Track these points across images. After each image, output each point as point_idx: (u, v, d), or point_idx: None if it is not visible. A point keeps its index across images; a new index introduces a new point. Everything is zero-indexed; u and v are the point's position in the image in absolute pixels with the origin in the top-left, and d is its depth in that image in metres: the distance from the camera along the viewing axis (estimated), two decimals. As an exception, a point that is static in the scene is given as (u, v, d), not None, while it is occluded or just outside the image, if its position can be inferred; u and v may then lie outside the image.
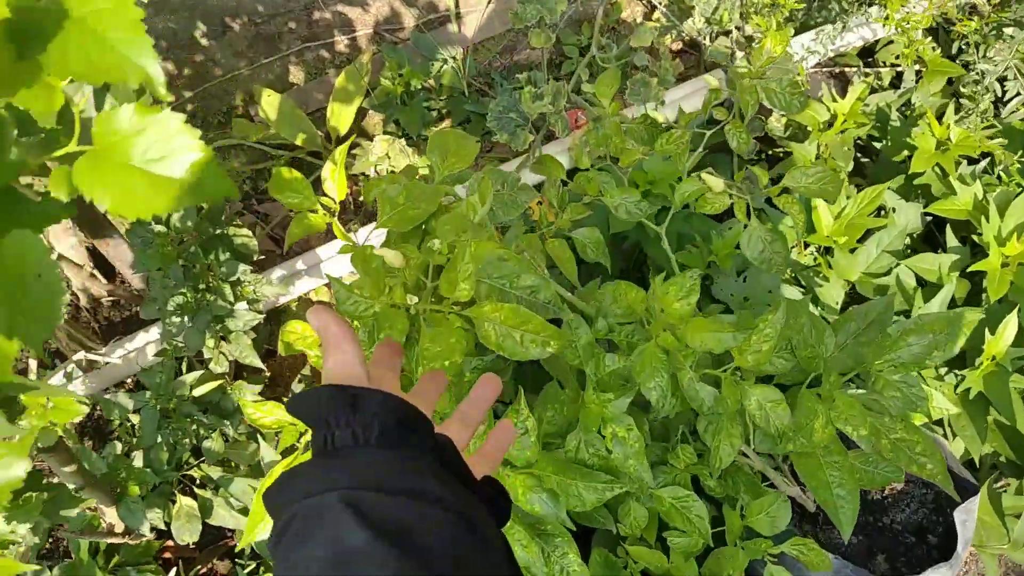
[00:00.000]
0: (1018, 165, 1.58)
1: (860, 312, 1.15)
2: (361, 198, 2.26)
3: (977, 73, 1.58)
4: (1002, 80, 1.59)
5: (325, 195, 1.07)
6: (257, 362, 1.49)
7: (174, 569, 1.68)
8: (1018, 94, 1.58)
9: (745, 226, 1.22)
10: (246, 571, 1.72)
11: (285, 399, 1.70)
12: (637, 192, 1.26)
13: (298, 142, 2.10)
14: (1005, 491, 1.45)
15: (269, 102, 2.16)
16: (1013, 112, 1.64)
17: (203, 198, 0.47)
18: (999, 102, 1.69)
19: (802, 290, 1.63)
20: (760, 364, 0.95)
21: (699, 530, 1.11)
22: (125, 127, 0.45)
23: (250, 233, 1.47)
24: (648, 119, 1.45)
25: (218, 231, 1.42)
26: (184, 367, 1.60)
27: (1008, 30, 1.54)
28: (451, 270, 0.75)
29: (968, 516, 1.29)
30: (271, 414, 0.96)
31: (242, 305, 1.44)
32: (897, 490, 1.39)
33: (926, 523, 1.35)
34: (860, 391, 1.06)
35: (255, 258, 1.56)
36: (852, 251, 1.61)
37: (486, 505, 0.52)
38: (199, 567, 1.77)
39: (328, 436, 0.49)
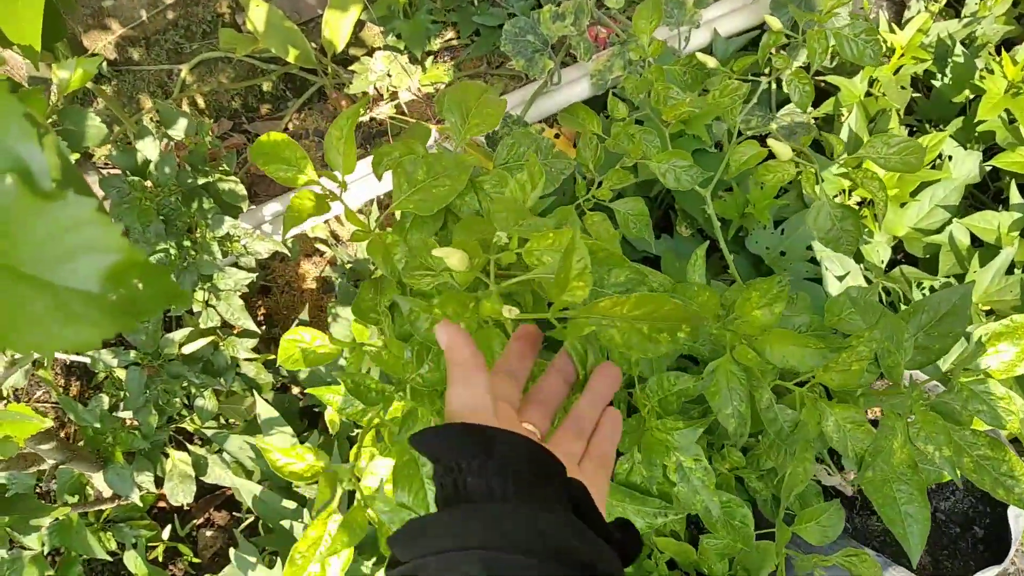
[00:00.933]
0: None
1: (933, 303, 1.01)
2: (359, 119, 2.08)
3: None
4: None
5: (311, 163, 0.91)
6: (250, 324, 1.37)
7: (169, 526, 1.60)
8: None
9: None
10: (244, 524, 1.65)
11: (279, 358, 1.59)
12: (687, 156, 1.10)
13: (290, 58, 1.91)
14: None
15: (257, 12, 1.95)
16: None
17: (134, 318, 0.33)
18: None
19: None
20: (848, 384, 0.83)
21: (742, 536, 1.01)
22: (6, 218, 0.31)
23: (236, 179, 1.32)
24: (694, 61, 1.27)
25: (201, 180, 1.26)
26: (172, 323, 1.48)
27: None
28: (561, 271, 0.59)
29: (1022, 512, 1.20)
30: (302, 459, 0.81)
31: (231, 260, 1.30)
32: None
33: (972, 513, 1.26)
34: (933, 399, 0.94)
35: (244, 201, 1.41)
36: (903, 204, 1.47)
37: (619, 553, 0.48)
38: (195, 519, 1.70)
39: (459, 482, 0.46)
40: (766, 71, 1.29)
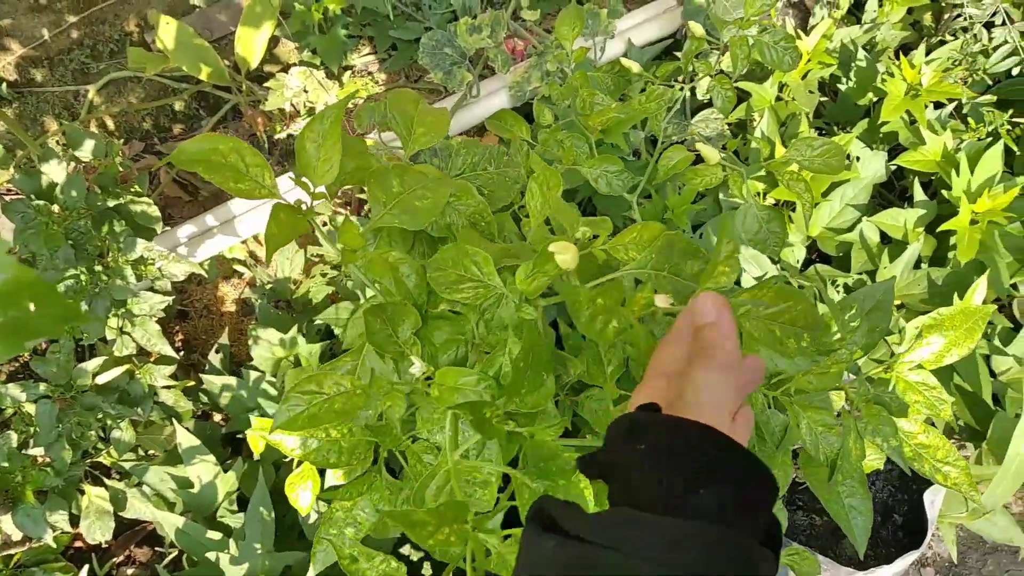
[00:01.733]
0: (1007, 125, 1.48)
1: (859, 299, 1.04)
2: (276, 137, 2.04)
3: (966, 18, 1.46)
4: (989, 26, 1.47)
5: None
6: (168, 350, 1.32)
7: (87, 567, 1.53)
8: (1005, 42, 1.47)
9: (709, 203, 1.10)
10: (168, 559, 1.59)
11: (204, 373, 1.54)
12: (618, 162, 1.11)
13: (202, 76, 1.87)
14: (966, 459, 1.41)
15: (167, 29, 1.90)
16: (998, 63, 1.53)
17: (25, 340, 0.32)
18: (984, 52, 1.58)
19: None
20: (825, 386, 0.84)
21: None
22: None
23: (150, 200, 1.28)
24: (617, 67, 1.28)
25: (111, 203, 1.22)
26: (86, 352, 1.41)
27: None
28: (713, 255, 0.57)
29: (936, 496, 1.24)
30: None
31: (145, 284, 1.26)
32: (863, 467, 1.34)
33: (891, 501, 1.30)
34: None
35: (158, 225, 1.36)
36: (815, 205, 1.51)
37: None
38: (115, 558, 1.63)
39: (691, 492, 0.46)
40: (680, 79, 1.31)
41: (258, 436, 1.00)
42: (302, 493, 0.82)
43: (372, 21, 2.08)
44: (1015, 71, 1.56)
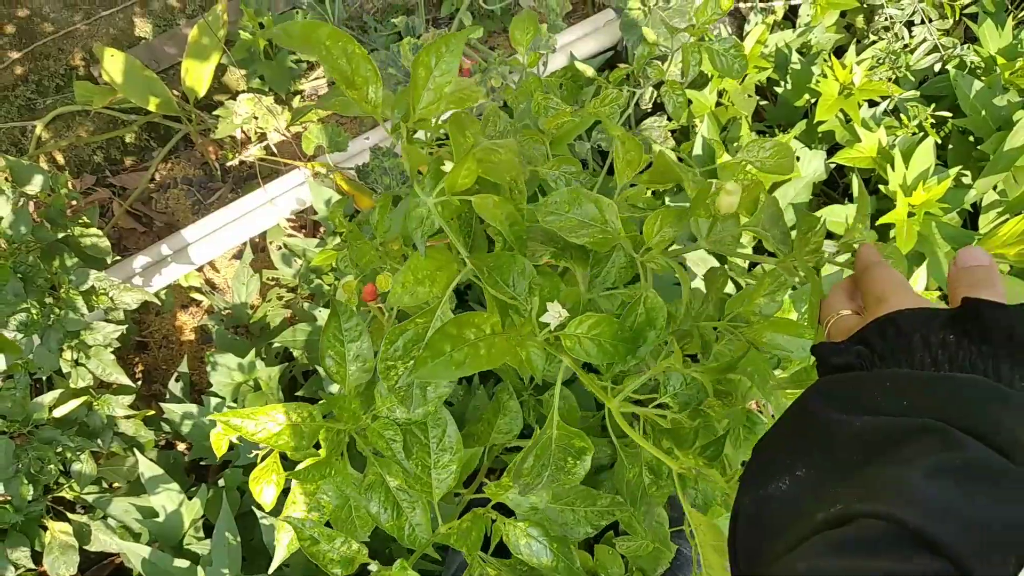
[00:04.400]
0: (931, 120, 1.54)
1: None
2: (228, 164, 2.05)
3: (886, 19, 1.52)
4: (910, 25, 1.53)
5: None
6: (124, 379, 1.32)
7: (52, 604, 1.51)
8: (924, 40, 1.53)
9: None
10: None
11: (165, 402, 1.54)
12: (576, 162, 1.14)
13: (151, 107, 1.87)
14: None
15: (113, 62, 1.91)
16: (920, 60, 1.59)
17: None
18: (905, 49, 1.64)
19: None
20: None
21: (660, 536, 1.04)
22: None
23: (99, 232, 1.28)
24: (570, 72, 1.31)
25: (61, 234, 1.22)
26: (43, 385, 1.41)
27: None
28: None
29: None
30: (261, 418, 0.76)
31: (99, 315, 1.26)
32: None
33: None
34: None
35: (109, 258, 1.36)
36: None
37: None
38: (82, 594, 1.61)
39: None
40: (622, 87, 1.34)
41: (222, 432, 1.00)
42: (266, 488, 0.82)
43: (320, 45, 2.10)
44: (937, 67, 1.62)
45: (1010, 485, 0.39)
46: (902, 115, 1.61)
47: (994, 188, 1.52)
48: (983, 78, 1.59)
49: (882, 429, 0.44)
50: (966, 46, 1.60)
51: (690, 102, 1.67)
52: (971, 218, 1.57)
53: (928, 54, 1.55)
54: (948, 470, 0.40)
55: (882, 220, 1.44)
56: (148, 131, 2.07)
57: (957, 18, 1.69)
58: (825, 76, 1.60)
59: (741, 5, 1.91)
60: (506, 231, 0.67)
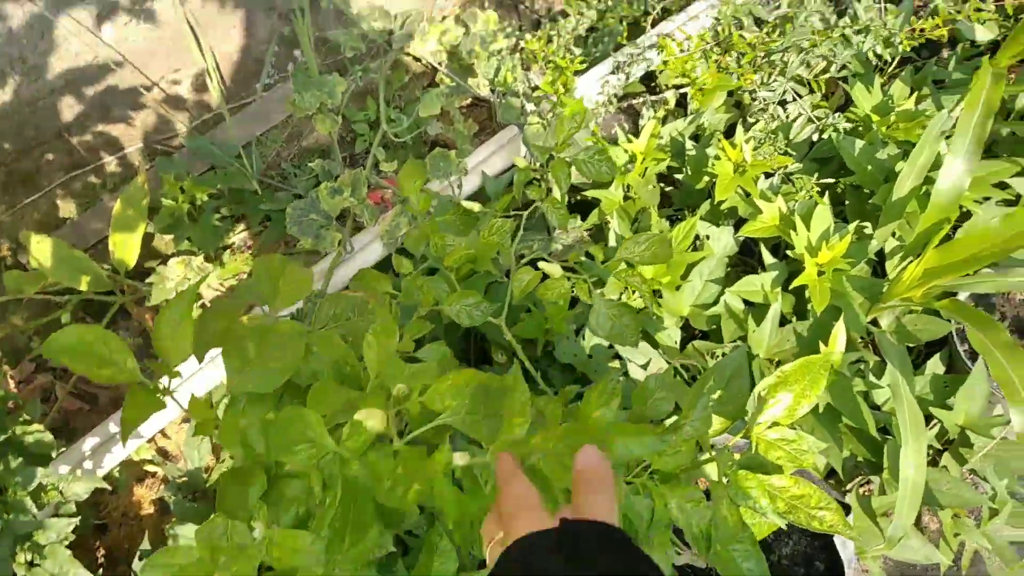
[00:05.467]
0: (816, 188, 1.64)
1: (718, 370, 1.13)
2: (169, 327, 2.07)
3: (760, 101, 1.63)
4: (783, 103, 1.64)
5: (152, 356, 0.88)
6: (83, 573, 1.31)
7: None
8: (800, 115, 1.64)
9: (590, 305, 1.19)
10: None
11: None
12: (475, 294, 1.19)
13: (83, 286, 1.90)
14: (871, 495, 1.49)
15: (40, 247, 1.94)
16: (798, 133, 1.70)
17: None
18: (785, 126, 1.75)
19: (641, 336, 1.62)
20: (681, 464, 0.90)
21: None
22: None
23: (41, 427, 1.29)
24: (461, 209, 1.38)
25: (2, 436, 1.23)
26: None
27: (778, 56, 1.60)
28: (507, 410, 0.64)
29: (846, 540, 1.30)
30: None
31: (50, 511, 1.26)
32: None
33: (810, 550, 1.36)
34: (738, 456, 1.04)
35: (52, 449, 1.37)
36: (678, 288, 1.62)
37: None
38: None
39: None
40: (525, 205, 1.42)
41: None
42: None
43: (241, 200, 2.16)
44: (815, 136, 1.74)
45: None
46: (796, 182, 1.71)
47: (893, 235, 1.61)
48: (863, 136, 1.71)
49: None
50: (837, 114, 1.72)
51: (599, 201, 1.76)
52: (880, 265, 1.65)
53: (805, 126, 1.67)
54: None
55: (795, 283, 1.52)
56: (84, 308, 2.09)
57: (825, 91, 1.83)
58: (719, 157, 1.69)
59: (634, 101, 2.02)
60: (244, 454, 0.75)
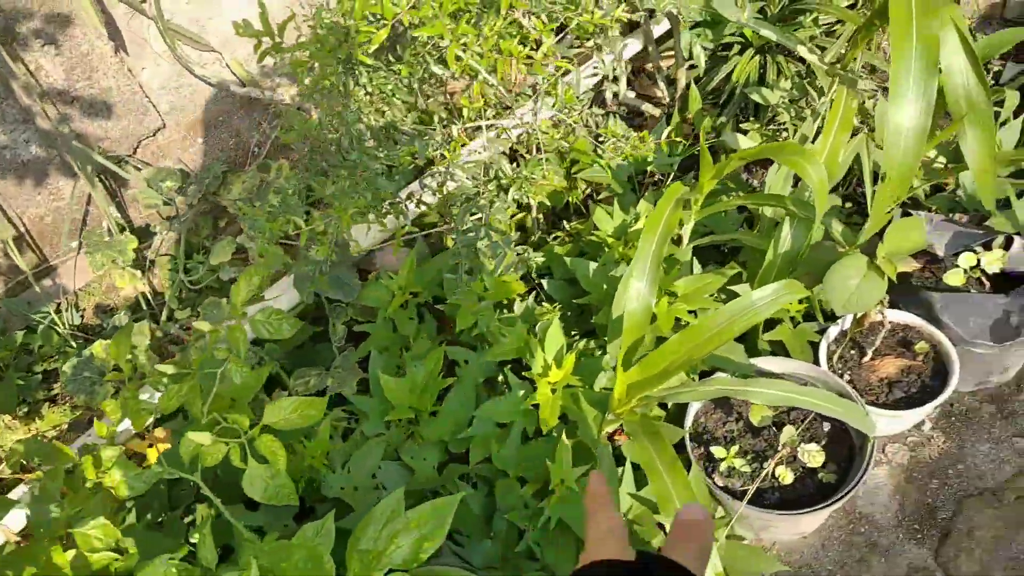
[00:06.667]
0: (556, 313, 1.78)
1: (375, 515, 1.21)
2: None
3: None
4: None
5: None
6: None
7: None
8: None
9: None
10: None
11: None
12: None
13: None
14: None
15: None
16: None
17: None
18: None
19: (399, 463, 1.70)
20: None
21: None
22: None
23: None
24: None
25: None
26: None
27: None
28: None
29: None
30: None
31: None
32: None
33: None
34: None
35: None
36: (433, 413, 1.72)
37: None
38: None
39: None
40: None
41: None
42: None
43: (59, 352, 2.24)
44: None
45: None
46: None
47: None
48: (598, 257, 1.85)
49: None
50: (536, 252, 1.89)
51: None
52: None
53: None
54: None
55: (527, 402, 1.63)
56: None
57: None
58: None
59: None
60: None
